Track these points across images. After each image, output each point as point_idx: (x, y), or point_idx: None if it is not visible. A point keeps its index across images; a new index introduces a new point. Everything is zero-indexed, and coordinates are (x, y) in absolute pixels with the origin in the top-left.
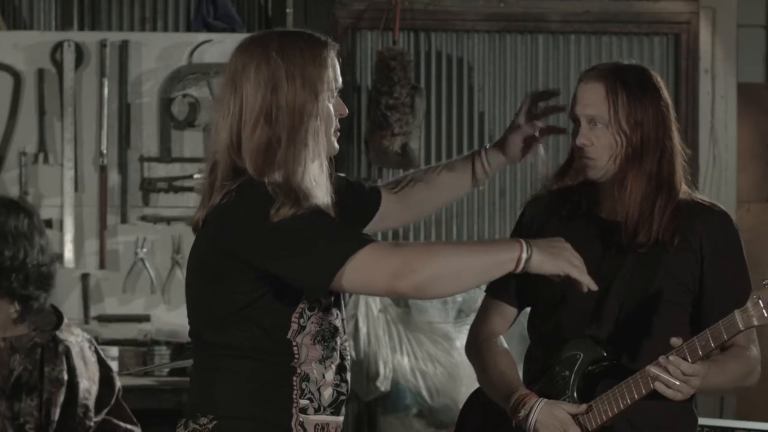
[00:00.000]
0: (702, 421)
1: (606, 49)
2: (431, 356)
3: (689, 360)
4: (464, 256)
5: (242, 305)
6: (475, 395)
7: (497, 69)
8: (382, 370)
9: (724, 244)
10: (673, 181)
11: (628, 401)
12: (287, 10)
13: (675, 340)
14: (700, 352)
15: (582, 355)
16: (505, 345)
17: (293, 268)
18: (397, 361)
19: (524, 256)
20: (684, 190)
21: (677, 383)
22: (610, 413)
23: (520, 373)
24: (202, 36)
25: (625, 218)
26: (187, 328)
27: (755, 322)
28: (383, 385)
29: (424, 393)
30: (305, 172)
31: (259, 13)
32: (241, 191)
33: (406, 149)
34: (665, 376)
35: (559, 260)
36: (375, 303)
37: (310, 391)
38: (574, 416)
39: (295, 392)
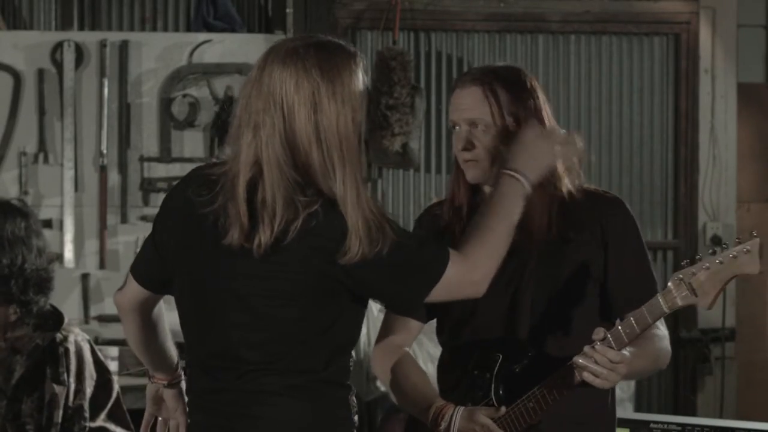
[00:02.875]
0: (702, 421)
1: (606, 49)
2: (431, 356)
3: (615, 348)
4: (503, 227)
5: (350, 332)
6: (393, 408)
7: None
8: None
9: (624, 230)
10: (557, 173)
11: (556, 396)
12: (287, 10)
13: (599, 330)
14: (626, 339)
15: (501, 356)
16: (413, 357)
17: (401, 292)
18: None
19: (528, 187)
20: (572, 180)
21: (605, 372)
22: (539, 410)
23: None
24: (202, 36)
25: (520, 218)
26: None
27: (680, 303)
28: (383, 385)
29: None
30: (364, 191)
31: (259, 13)
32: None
33: (406, 149)
34: (593, 366)
35: (543, 162)
36: (375, 303)
37: (354, 404)
38: (496, 419)
39: (352, 412)
